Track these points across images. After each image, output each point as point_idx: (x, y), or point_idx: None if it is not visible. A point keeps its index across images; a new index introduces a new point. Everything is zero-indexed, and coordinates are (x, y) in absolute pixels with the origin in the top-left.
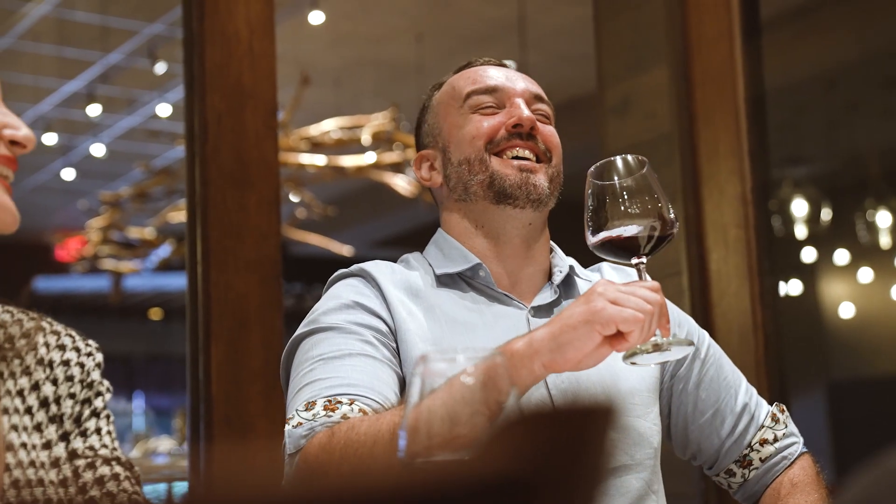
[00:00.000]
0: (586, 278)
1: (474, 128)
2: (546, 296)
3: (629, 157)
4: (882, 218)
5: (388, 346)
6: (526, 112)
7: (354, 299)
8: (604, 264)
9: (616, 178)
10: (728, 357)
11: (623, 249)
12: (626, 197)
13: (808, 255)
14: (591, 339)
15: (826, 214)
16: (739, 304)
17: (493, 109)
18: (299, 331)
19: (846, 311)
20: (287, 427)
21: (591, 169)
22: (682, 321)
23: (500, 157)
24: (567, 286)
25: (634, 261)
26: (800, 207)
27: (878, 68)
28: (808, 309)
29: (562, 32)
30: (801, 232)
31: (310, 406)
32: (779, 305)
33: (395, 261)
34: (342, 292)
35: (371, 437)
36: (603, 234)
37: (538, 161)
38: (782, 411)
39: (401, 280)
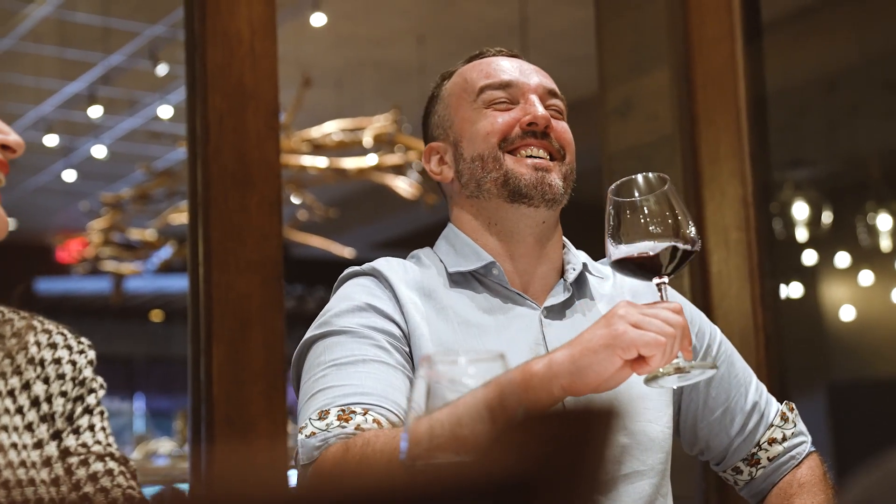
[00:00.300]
0: (599, 274)
1: (488, 124)
2: (559, 295)
3: (650, 175)
4: (883, 221)
5: (401, 350)
6: (541, 110)
7: (367, 301)
8: None
9: (637, 195)
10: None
11: (644, 269)
12: (647, 215)
13: (809, 257)
14: (611, 364)
15: (827, 217)
16: (740, 307)
17: (506, 105)
18: (311, 332)
19: (847, 313)
20: (300, 436)
21: (612, 186)
22: (693, 318)
23: (514, 155)
24: (580, 284)
25: (656, 280)
26: (801, 210)
27: (879, 70)
28: (809, 311)
29: (563, 34)
30: (801, 234)
31: (323, 415)
32: (779, 307)
33: (403, 258)
34: (354, 293)
35: (387, 454)
36: (624, 254)
37: (552, 159)
38: (791, 410)
39: (413, 280)
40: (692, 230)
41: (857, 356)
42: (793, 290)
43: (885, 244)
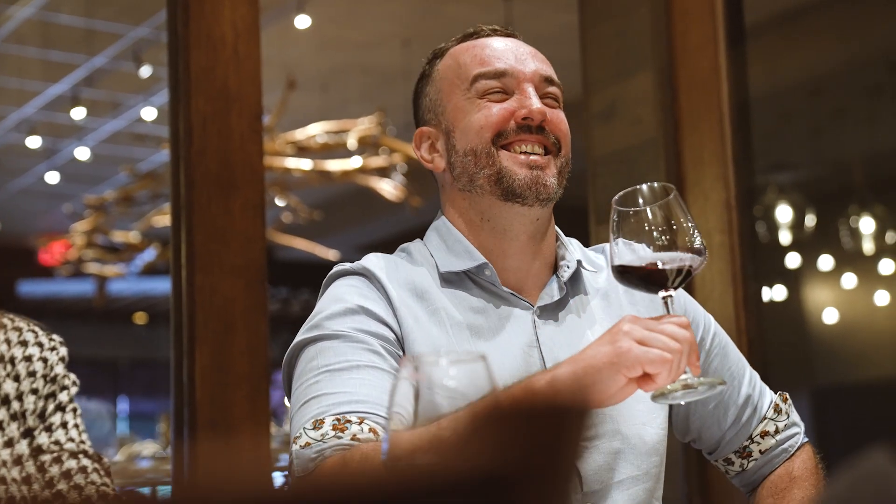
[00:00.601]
0: (592, 268)
1: (482, 117)
2: (552, 293)
3: (655, 185)
4: (865, 224)
5: (395, 354)
6: (536, 104)
7: (360, 303)
8: (607, 245)
9: (641, 206)
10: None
11: (649, 282)
12: (652, 226)
13: (793, 260)
14: (615, 382)
15: (810, 220)
16: (723, 310)
17: (501, 95)
18: (301, 335)
19: (830, 316)
20: (294, 446)
21: (616, 197)
22: (687, 307)
23: (509, 150)
24: (574, 280)
25: (662, 294)
26: (784, 213)
27: (862, 75)
28: (792, 314)
29: (548, 39)
30: (785, 238)
31: (318, 424)
32: (763, 311)
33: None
34: (346, 295)
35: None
36: (628, 266)
37: (547, 152)
38: (785, 400)
39: (405, 279)
40: (699, 241)
41: (841, 359)
42: (776, 293)
43: (867, 247)
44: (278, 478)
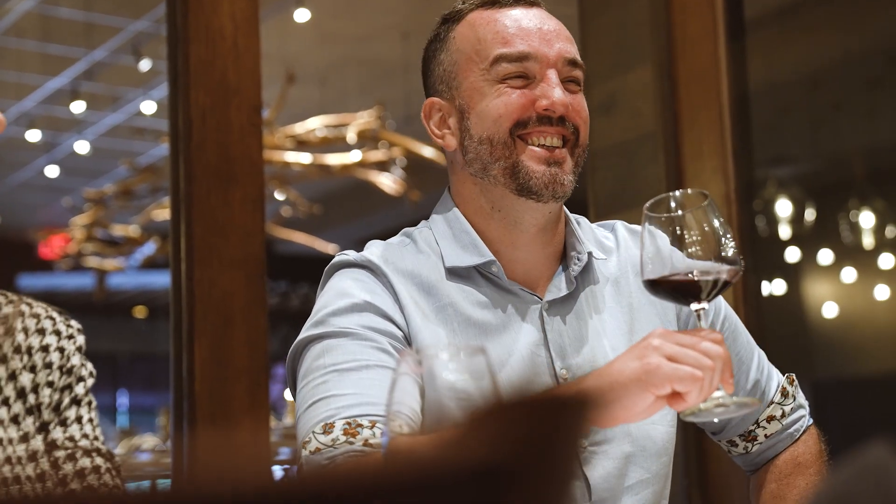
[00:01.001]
0: (603, 255)
1: (501, 104)
2: (561, 286)
3: (689, 190)
4: (865, 218)
5: None
6: (558, 95)
7: (366, 299)
8: (618, 222)
9: (674, 213)
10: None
11: (682, 293)
12: (685, 235)
13: (792, 254)
14: (642, 399)
15: (810, 214)
16: None
17: (522, 80)
18: (306, 332)
19: (830, 310)
20: (303, 451)
21: (648, 203)
22: None
23: (526, 141)
24: (584, 271)
25: (695, 306)
26: (784, 207)
27: (862, 68)
28: (792, 309)
29: None
30: (784, 232)
31: (328, 429)
32: (762, 305)
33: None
34: (351, 289)
35: None
36: (659, 276)
37: (565, 141)
38: (791, 382)
39: (410, 271)
40: (734, 250)
41: (841, 354)
42: (776, 288)
43: (867, 241)
44: (278, 472)
